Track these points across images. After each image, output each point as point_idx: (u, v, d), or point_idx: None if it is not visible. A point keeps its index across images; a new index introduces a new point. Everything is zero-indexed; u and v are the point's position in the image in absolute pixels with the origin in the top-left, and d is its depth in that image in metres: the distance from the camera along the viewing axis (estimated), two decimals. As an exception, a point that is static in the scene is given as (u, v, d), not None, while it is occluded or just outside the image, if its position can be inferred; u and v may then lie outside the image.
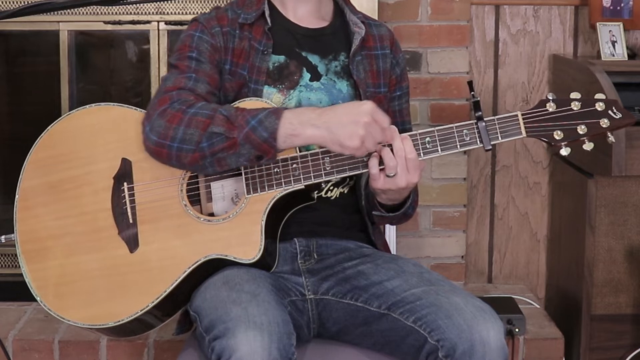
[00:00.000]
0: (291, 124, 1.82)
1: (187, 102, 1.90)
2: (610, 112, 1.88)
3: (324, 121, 1.82)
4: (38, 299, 1.96)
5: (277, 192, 1.91)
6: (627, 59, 2.95)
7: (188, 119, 1.86)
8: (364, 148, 1.82)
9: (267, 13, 2.05)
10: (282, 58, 2.04)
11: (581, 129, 1.87)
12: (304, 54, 2.05)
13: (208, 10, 2.21)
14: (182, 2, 2.94)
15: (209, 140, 1.84)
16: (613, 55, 2.95)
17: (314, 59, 2.05)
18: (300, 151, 1.91)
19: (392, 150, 1.86)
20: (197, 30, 2.02)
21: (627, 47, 2.98)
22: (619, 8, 3.05)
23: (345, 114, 1.81)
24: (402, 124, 2.12)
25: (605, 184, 2.76)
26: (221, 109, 1.87)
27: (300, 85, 2.03)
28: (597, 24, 2.98)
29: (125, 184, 1.97)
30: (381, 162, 1.87)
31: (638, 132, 2.65)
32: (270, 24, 2.05)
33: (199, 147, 1.85)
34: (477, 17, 3.14)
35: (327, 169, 1.90)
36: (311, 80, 2.04)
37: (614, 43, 2.96)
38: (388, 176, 1.87)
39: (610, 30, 2.97)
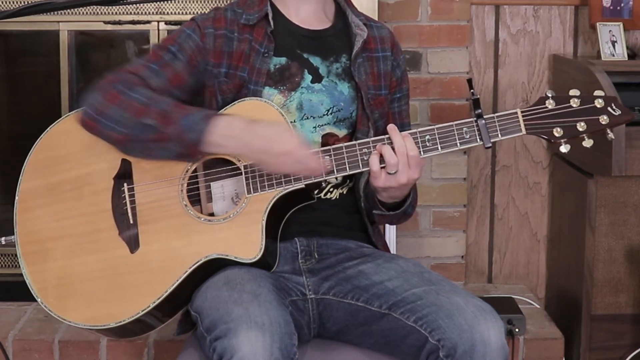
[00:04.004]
0: (218, 135, 1.85)
1: (129, 85, 1.92)
2: (609, 108, 1.88)
3: (245, 142, 1.84)
4: (39, 300, 1.96)
5: (277, 192, 1.91)
6: (627, 59, 2.95)
7: (125, 102, 1.89)
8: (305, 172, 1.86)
9: (270, 15, 2.05)
10: (283, 60, 2.04)
11: (581, 126, 1.87)
12: (305, 55, 2.05)
13: (208, 10, 2.21)
14: (182, 2, 2.94)
15: (139, 129, 1.88)
16: (613, 55, 2.95)
17: (315, 60, 2.05)
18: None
19: (392, 147, 1.86)
20: (190, 28, 2.04)
21: (627, 47, 2.98)
22: (619, 8, 3.05)
23: (266, 141, 1.84)
24: (402, 126, 2.12)
25: (605, 184, 2.76)
26: (160, 101, 1.90)
27: (302, 87, 2.03)
28: (597, 24, 2.98)
29: (125, 184, 1.97)
30: (382, 160, 1.87)
31: (638, 132, 2.66)
32: (272, 26, 2.04)
33: (129, 132, 1.88)
34: (477, 17, 3.14)
35: (327, 167, 1.90)
36: (312, 82, 2.04)
37: (614, 43, 2.96)
38: (389, 173, 1.87)
39: (610, 30, 2.97)
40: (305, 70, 2.03)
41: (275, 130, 1.87)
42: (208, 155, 1.91)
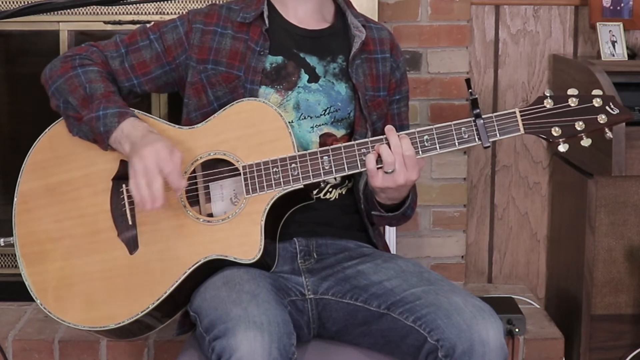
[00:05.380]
0: (122, 132, 1.91)
1: (84, 61, 2.02)
2: (607, 107, 1.88)
3: (136, 149, 1.87)
4: (38, 301, 1.96)
5: (276, 192, 1.91)
6: (627, 59, 2.95)
7: (69, 76, 1.99)
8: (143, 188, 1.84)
9: (265, 14, 2.05)
10: (279, 59, 2.04)
11: (579, 125, 1.87)
12: (302, 55, 2.05)
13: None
14: (182, 2, 2.94)
15: (65, 104, 1.98)
16: (613, 55, 2.95)
17: (312, 60, 2.05)
18: (298, 151, 1.92)
19: (390, 148, 1.86)
20: (180, 20, 2.07)
21: (627, 47, 2.97)
22: (619, 8, 3.05)
23: (146, 149, 1.85)
24: (401, 128, 2.12)
25: (605, 184, 2.76)
26: (90, 85, 1.97)
27: (299, 87, 2.03)
28: (597, 24, 2.98)
29: (124, 185, 1.97)
30: (380, 160, 1.87)
31: (638, 132, 2.65)
32: (268, 25, 2.05)
33: (59, 103, 2.00)
34: (477, 17, 3.14)
35: (326, 168, 1.90)
36: (309, 81, 2.04)
37: (614, 43, 2.96)
38: (386, 173, 1.87)
39: (610, 30, 2.97)
40: (302, 70, 2.03)
41: (158, 141, 1.87)
42: (113, 149, 1.95)
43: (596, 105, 1.88)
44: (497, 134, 1.89)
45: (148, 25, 2.09)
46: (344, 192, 2.08)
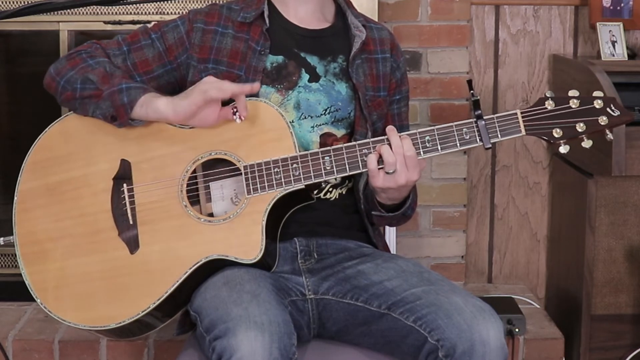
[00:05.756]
0: (149, 97, 1.92)
1: (91, 54, 2.03)
2: (608, 109, 1.88)
3: (171, 99, 1.91)
4: (38, 301, 1.96)
5: (277, 192, 1.91)
6: (627, 59, 2.95)
7: (82, 66, 1.99)
8: (218, 88, 1.87)
9: (266, 13, 2.05)
10: (280, 58, 2.04)
11: (580, 127, 1.87)
12: (302, 54, 2.05)
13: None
14: (182, 2, 2.94)
15: (82, 84, 1.96)
16: (613, 55, 2.95)
17: (312, 59, 2.05)
18: (299, 151, 1.92)
19: (391, 148, 1.86)
20: (181, 20, 2.07)
21: (627, 47, 2.98)
22: (619, 8, 3.05)
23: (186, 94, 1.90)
24: (401, 128, 2.12)
25: (605, 184, 2.76)
26: (109, 66, 1.99)
27: (299, 86, 2.03)
28: (597, 24, 2.98)
29: (125, 185, 1.97)
30: (381, 161, 1.87)
31: (638, 132, 2.65)
32: (268, 24, 2.05)
33: (74, 87, 1.97)
34: (477, 17, 3.14)
35: (327, 168, 1.90)
36: (310, 81, 2.04)
37: (614, 43, 2.96)
38: (387, 173, 1.87)
39: (610, 30, 2.97)
40: (303, 69, 2.04)
41: (186, 94, 1.91)
42: (134, 124, 1.95)
43: (597, 106, 1.88)
44: (499, 135, 1.89)
45: (149, 25, 2.09)
46: (344, 192, 2.08)
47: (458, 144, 1.89)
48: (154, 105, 1.91)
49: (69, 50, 2.96)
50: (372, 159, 1.87)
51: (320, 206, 2.03)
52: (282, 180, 1.91)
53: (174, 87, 2.07)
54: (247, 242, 1.89)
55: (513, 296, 2.95)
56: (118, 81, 1.94)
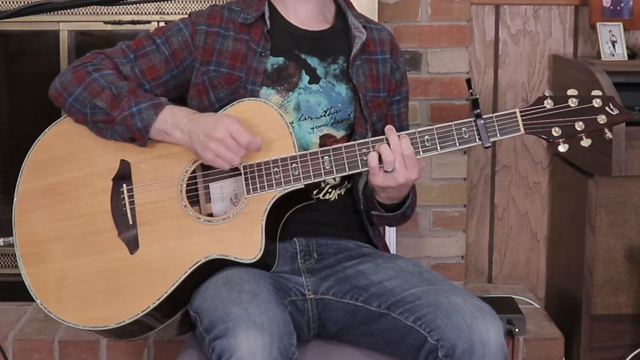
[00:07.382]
0: (165, 122, 1.92)
1: (97, 67, 2.00)
2: (607, 108, 1.88)
3: (189, 129, 1.90)
4: (38, 301, 1.96)
5: (277, 192, 1.91)
6: (627, 59, 2.95)
7: (87, 82, 1.97)
8: (220, 161, 1.87)
9: (266, 15, 2.05)
10: (280, 60, 2.04)
11: (579, 126, 1.88)
12: (302, 56, 2.05)
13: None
14: (182, 2, 2.94)
15: (92, 110, 1.95)
16: (613, 55, 2.95)
17: (312, 61, 2.05)
18: (298, 151, 1.92)
19: (389, 147, 1.87)
20: (183, 23, 2.06)
21: (627, 47, 2.97)
22: (619, 8, 3.05)
23: (204, 126, 1.88)
24: (401, 129, 2.11)
25: (605, 184, 2.76)
26: (114, 85, 1.95)
27: (299, 88, 2.03)
28: (597, 24, 2.98)
29: (124, 185, 1.97)
30: (380, 160, 1.87)
31: (638, 132, 2.65)
32: (269, 26, 2.04)
33: (84, 111, 1.96)
34: (477, 17, 3.14)
35: (327, 168, 1.91)
36: (310, 82, 2.04)
37: (614, 43, 2.96)
38: (386, 171, 1.87)
39: (610, 30, 2.97)
40: (303, 71, 2.03)
41: (215, 117, 1.91)
42: (155, 141, 1.95)
43: (596, 105, 1.88)
44: (498, 134, 1.89)
45: (149, 32, 2.08)
46: (343, 193, 2.08)
47: (457, 143, 1.90)
48: (170, 137, 1.92)
49: (69, 50, 2.97)
50: (373, 157, 1.87)
51: (319, 206, 2.03)
52: (282, 180, 1.91)
53: (180, 90, 2.06)
54: (247, 242, 1.89)
55: (513, 296, 2.95)
56: (127, 103, 1.93)
